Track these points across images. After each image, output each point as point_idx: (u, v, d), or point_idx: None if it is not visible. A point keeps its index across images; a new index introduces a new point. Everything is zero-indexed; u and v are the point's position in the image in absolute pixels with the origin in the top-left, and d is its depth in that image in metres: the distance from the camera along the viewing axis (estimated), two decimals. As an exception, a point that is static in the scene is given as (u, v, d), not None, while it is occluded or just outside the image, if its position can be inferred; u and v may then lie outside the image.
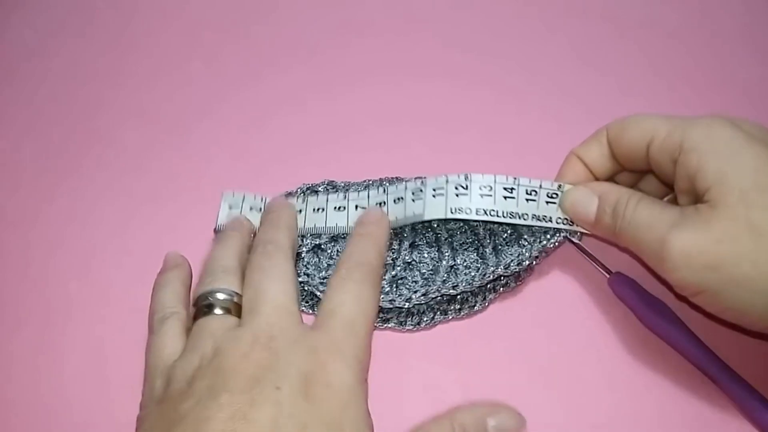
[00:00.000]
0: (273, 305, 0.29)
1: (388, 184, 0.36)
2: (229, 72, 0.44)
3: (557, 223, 0.34)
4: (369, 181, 0.37)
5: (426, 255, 0.33)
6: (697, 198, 0.30)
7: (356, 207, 0.35)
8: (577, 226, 0.34)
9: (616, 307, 0.34)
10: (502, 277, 0.34)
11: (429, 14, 0.46)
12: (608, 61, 0.44)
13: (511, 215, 0.33)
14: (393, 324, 0.34)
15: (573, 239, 0.35)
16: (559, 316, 0.34)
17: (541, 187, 0.34)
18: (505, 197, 0.33)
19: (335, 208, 0.36)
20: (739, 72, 0.43)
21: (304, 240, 0.35)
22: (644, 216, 0.31)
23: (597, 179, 0.35)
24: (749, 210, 0.28)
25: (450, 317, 0.34)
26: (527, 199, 0.34)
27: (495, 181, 0.33)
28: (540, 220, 0.34)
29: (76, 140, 0.41)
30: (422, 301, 0.33)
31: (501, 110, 0.42)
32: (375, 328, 0.34)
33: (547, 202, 0.34)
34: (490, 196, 0.33)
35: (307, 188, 0.37)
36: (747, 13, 0.46)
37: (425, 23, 0.46)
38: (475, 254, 0.34)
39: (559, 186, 0.34)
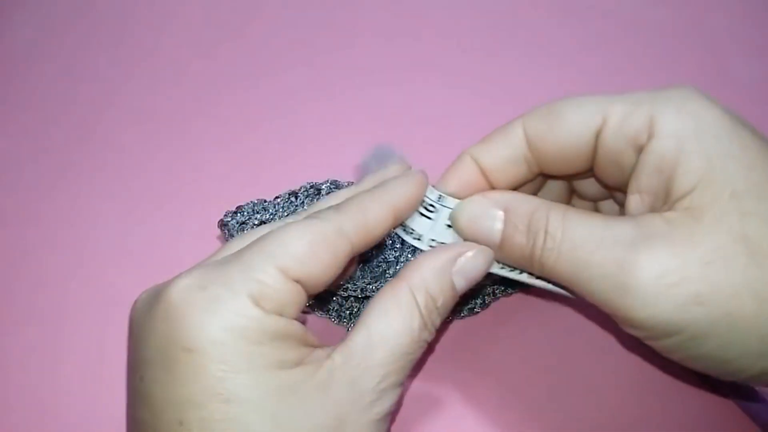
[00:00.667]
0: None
1: None
2: (229, 72, 0.44)
3: (429, 244, 0.26)
4: None
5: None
6: (661, 201, 0.23)
7: None
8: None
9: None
10: (501, 283, 0.34)
11: (429, 15, 0.46)
12: (607, 60, 0.44)
13: None
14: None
15: None
16: (558, 317, 0.34)
17: None
18: None
19: None
20: (739, 70, 0.43)
21: None
22: (582, 232, 0.22)
23: (493, 189, 0.27)
24: (745, 221, 0.20)
25: (449, 319, 0.34)
26: None
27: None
28: (407, 233, 0.27)
29: (76, 140, 0.41)
30: None
31: (500, 111, 0.41)
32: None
33: (421, 214, 0.26)
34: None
35: (311, 186, 0.37)
36: (745, 12, 0.46)
37: (425, 23, 0.46)
38: None
39: (440, 197, 0.26)
